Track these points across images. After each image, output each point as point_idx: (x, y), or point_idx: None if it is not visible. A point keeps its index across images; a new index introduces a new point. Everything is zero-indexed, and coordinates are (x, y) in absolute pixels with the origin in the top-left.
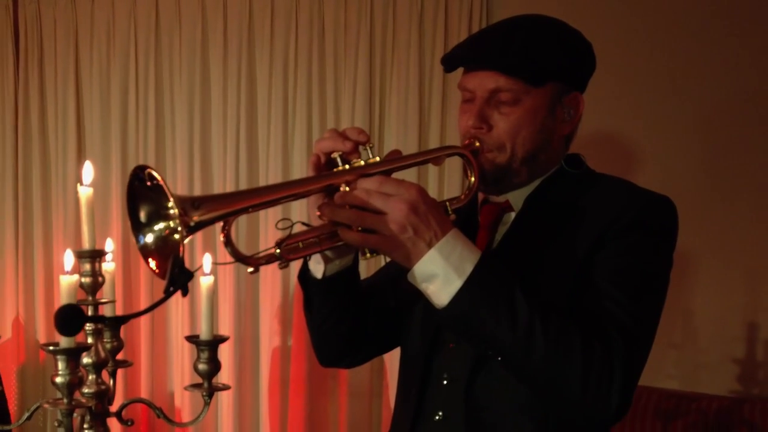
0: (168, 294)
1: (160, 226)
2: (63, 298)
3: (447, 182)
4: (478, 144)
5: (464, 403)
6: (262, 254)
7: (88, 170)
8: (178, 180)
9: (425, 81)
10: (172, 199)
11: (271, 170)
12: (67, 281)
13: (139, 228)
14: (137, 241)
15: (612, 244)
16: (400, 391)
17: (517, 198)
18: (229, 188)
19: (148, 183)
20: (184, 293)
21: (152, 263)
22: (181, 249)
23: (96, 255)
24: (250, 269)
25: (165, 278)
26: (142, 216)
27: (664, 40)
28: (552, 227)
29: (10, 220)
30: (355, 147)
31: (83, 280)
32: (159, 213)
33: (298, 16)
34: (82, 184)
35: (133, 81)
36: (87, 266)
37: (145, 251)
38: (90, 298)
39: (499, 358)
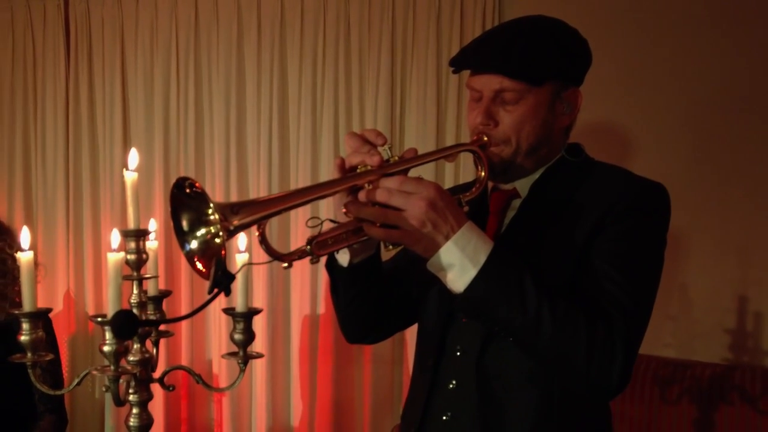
0: (213, 296)
1: (201, 232)
2: (110, 273)
3: (462, 176)
4: (486, 138)
5: (476, 372)
6: (294, 251)
7: (133, 156)
8: (216, 167)
9: (442, 75)
10: (212, 206)
11: (301, 157)
12: (114, 258)
13: (183, 235)
14: (182, 248)
15: (610, 228)
16: (417, 362)
17: (523, 185)
18: (263, 172)
19: (189, 191)
20: (227, 294)
21: (199, 265)
22: (222, 252)
23: (140, 234)
24: (285, 265)
25: (209, 279)
26: (185, 224)
27: (659, 37)
28: (555, 211)
29: (62, 202)
30: (371, 150)
31: (128, 257)
32: (200, 219)
33: (326, 15)
34: (127, 169)
35: (174, 75)
36: (132, 244)
37: (190, 256)
38: (135, 274)
39: (511, 339)
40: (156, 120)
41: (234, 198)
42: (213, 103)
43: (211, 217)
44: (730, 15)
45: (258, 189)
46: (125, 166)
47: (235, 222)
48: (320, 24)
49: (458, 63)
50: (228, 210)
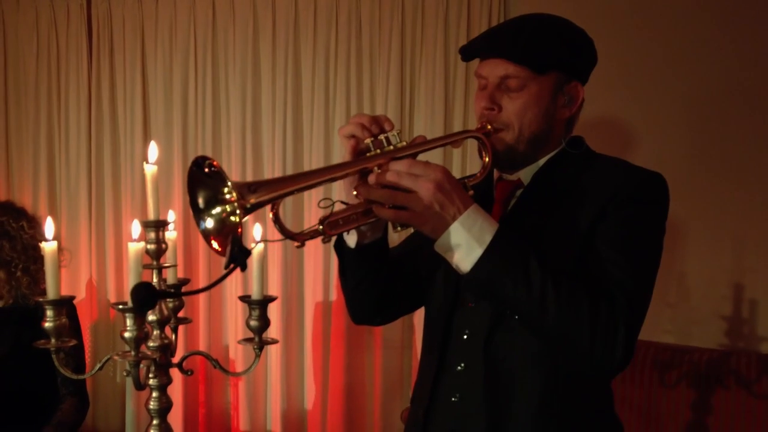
0: (229, 270)
1: (218, 210)
2: (131, 262)
3: (469, 162)
4: (489, 126)
5: (483, 355)
6: (307, 231)
7: (153, 150)
8: (232, 159)
9: (450, 71)
10: (230, 184)
11: (314, 150)
12: (135, 248)
13: (199, 213)
14: (198, 225)
15: (612, 216)
16: (424, 345)
17: (526, 175)
18: (278, 164)
19: (207, 170)
20: (243, 269)
21: (214, 244)
22: (239, 229)
23: (160, 225)
24: (297, 244)
25: (225, 256)
26: (201, 202)
27: (658, 36)
28: (556, 200)
29: (84, 194)
30: (381, 131)
31: (148, 246)
32: (217, 198)
33: (338, 14)
34: (147, 162)
35: (192, 71)
36: (152, 234)
37: (207, 234)
38: (154, 263)
39: (517, 317)
40: (175, 115)
41: None
42: (230, 99)
43: (228, 196)
44: (727, 14)
45: None
46: (145, 159)
47: (252, 200)
48: (332, 22)
49: (467, 50)
50: (245, 189)
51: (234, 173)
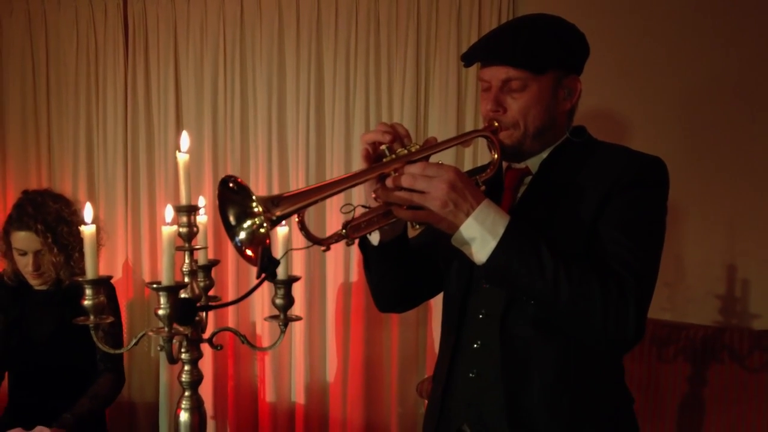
0: (261, 280)
1: (248, 223)
2: (165, 244)
3: (480, 159)
4: (496, 124)
5: (500, 333)
6: (331, 235)
7: (185, 139)
8: (259, 148)
9: (462, 68)
10: (255, 199)
11: (336, 141)
12: (168, 231)
13: (231, 229)
14: (232, 241)
15: (616, 199)
16: (443, 326)
17: (534, 164)
18: (301, 153)
19: (233, 186)
20: (274, 278)
21: (248, 252)
22: (267, 241)
23: (191, 209)
24: (323, 248)
25: (256, 265)
26: (231, 218)
27: (655, 30)
28: (562, 185)
29: (121, 181)
30: (395, 138)
31: (181, 230)
32: (245, 212)
33: (358, 13)
34: (179, 150)
35: (221, 66)
36: (184, 218)
37: (239, 247)
38: (186, 245)
39: (532, 302)
40: (205, 106)
41: (275, 180)
42: (256, 92)
43: (255, 209)
44: (721, 8)
45: (297, 169)
46: (178, 148)
47: (277, 213)
48: (352, 21)
49: (469, 57)
50: (270, 203)
51: (260, 161)
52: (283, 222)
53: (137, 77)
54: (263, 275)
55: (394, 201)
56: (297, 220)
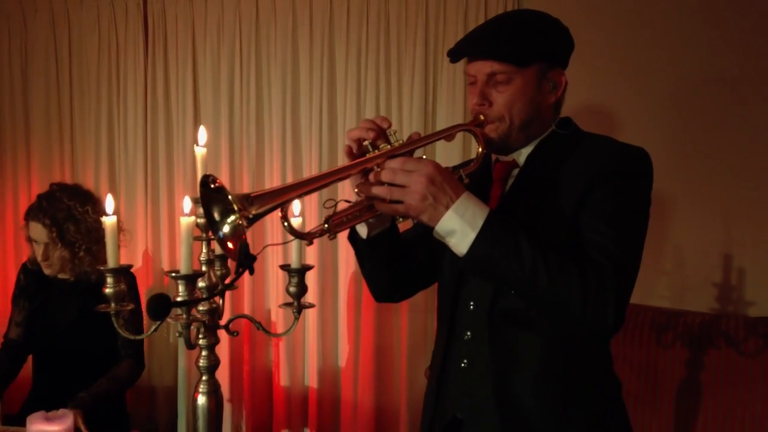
0: (238, 275)
1: (230, 219)
2: (183, 235)
3: (471, 153)
4: (482, 117)
5: (487, 324)
6: (314, 230)
7: (203, 134)
8: (273, 142)
9: None
10: (231, 198)
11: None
12: (186, 221)
13: (214, 224)
14: (215, 234)
15: (599, 190)
16: (438, 317)
17: (521, 156)
18: (314, 147)
19: (212, 186)
20: (251, 273)
21: (230, 245)
22: (244, 237)
23: None
24: (306, 242)
25: (234, 259)
26: (214, 215)
27: (644, 24)
28: (548, 177)
29: (141, 173)
30: (379, 134)
31: (198, 221)
32: (227, 209)
33: (369, 12)
34: (197, 144)
35: (238, 63)
36: (201, 209)
37: (222, 241)
38: (204, 235)
39: (513, 291)
40: (222, 102)
41: (289, 172)
42: (271, 88)
43: (233, 206)
44: (709, 10)
45: (310, 162)
46: (196, 142)
47: (253, 211)
48: (363, 19)
49: (455, 53)
50: (245, 200)
51: (275, 156)
52: (297, 213)
53: (157, 74)
54: (240, 270)
55: (375, 195)
56: (280, 215)
